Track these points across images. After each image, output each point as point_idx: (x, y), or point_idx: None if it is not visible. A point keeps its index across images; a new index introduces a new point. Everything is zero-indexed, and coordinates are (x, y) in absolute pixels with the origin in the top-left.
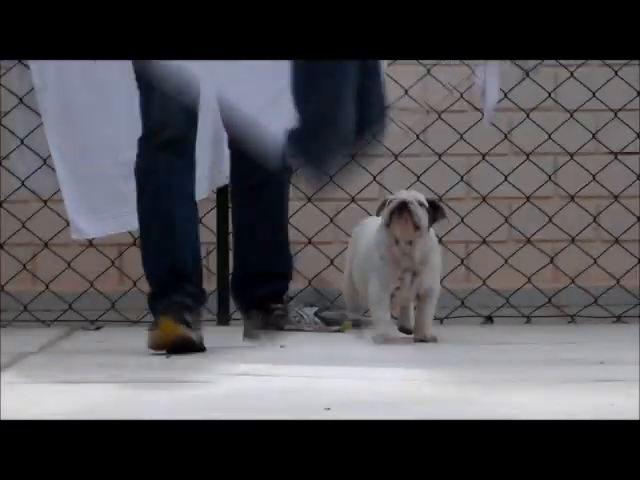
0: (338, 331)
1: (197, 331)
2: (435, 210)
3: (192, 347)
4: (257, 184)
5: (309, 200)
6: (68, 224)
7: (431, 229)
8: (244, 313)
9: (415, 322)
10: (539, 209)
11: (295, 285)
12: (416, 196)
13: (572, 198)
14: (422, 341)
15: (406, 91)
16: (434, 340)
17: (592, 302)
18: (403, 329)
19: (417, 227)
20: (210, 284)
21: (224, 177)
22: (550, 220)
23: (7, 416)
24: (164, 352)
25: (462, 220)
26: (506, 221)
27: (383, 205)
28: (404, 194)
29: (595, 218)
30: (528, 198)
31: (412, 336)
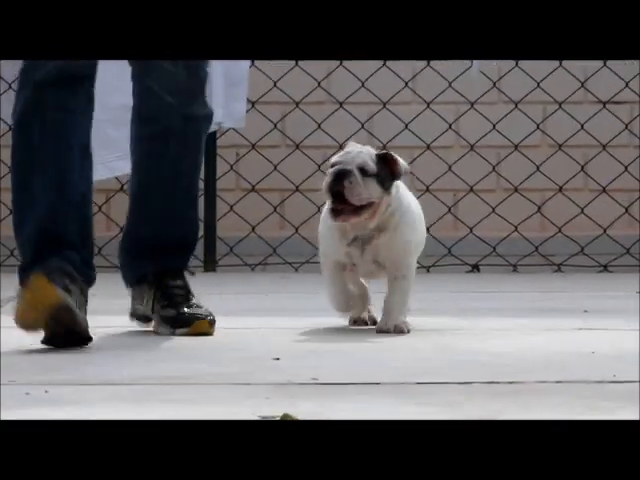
0: (186, 334)
1: (81, 308)
2: (389, 166)
3: (74, 324)
4: (165, 129)
5: (297, 147)
6: None
7: (397, 184)
8: (133, 290)
9: (384, 307)
10: (527, 158)
11: (283, 233)
12: (361, 159)
13: (560, 147)
14: (383, 332)
15: None
16: (401, 331)
17: (579, 251)
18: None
19: (358, 209)
20: None
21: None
22: (538, 169)
23: None
24: (35, 330)
25: (450, 168)
26: (494, 170)
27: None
28: (348, 156)
29: (583, 167)
30: (516, 147)
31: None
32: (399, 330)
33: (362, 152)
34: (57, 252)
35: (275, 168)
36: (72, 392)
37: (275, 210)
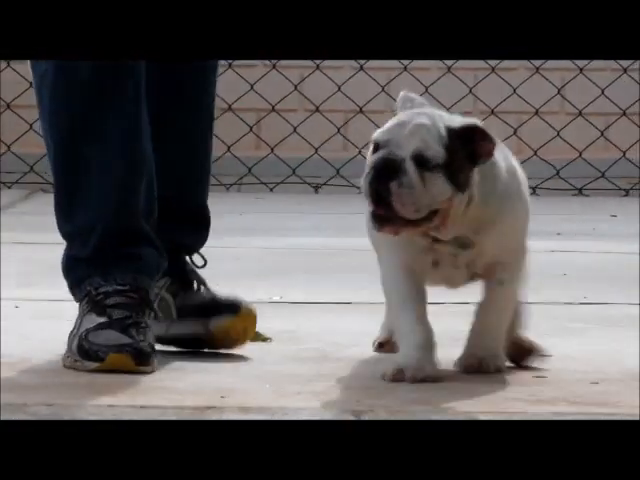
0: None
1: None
2: (470, 143)
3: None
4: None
5: (274, 67)
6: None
7: (496, 161)
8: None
9: (470, 331)
10: (504, 80)
11: (259, 153)
12: (421, 139)
13: (537, 69)
14: (471, 371)
15: None
16: (496, 369)
17: (554, 174)
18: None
19: (412, 224)
20: None
21: None
22: (514, 91)
23: None
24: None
25: (514, 91)
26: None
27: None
28: (401, 132)
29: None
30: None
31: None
32: (495, 368)
33: (424, 125)
34: (128, 257)
35: (252, 87)
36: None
37: (251, 130)
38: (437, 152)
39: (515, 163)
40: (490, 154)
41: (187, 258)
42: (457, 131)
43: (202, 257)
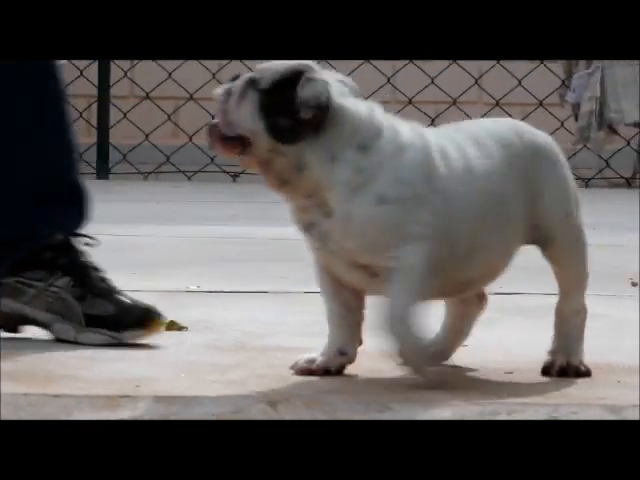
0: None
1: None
2: (292, 87)
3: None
4: None
5: None
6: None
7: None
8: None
9: None
10: (422, 71)
11: (176, 141)
12: (265, 69)
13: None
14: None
15: None
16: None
17: None
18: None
19: (226, 140)
20: (91, 137)
21: None
22: (432, 81)
23: None
24: None
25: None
26: None
27: None
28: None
29: (477, 80)
30: (411, 61)
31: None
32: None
33: (283, 62)
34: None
35: (170, 76)
36: None
37: (169, 118)
38: (267, 79)
39: (436, 151)
40: (309, 116)
41: (79, 247)
42: (290, 70)
43: (90, 238)
